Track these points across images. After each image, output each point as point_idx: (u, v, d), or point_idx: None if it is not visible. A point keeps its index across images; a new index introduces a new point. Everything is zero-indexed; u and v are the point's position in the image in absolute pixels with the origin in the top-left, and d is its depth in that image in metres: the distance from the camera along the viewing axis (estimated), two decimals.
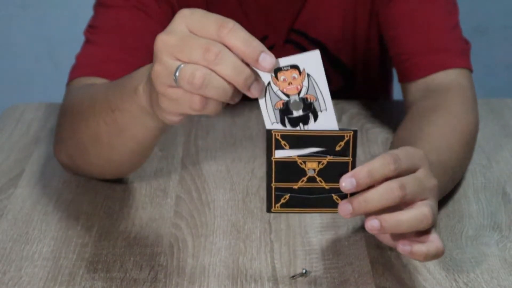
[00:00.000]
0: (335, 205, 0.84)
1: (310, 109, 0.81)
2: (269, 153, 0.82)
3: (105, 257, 0.97)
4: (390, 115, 1.32)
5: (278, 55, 1.34)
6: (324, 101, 0.81)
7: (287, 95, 0.81)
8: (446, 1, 1.23)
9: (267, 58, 0.79)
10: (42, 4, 2.58)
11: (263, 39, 1.31)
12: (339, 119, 1.29)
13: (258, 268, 0.94)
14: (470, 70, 1.21)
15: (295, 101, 0.81)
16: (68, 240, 1.00)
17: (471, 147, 1.13)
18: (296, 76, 0.81)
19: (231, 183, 1.12)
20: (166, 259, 0.96)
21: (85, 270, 0.94)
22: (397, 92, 1.41)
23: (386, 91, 1.48)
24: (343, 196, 0.84)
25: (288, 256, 0.96)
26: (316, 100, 0.81)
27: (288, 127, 0.81)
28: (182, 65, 0.79)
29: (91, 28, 1.21)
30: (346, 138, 0.82)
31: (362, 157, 1.20)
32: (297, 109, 0.81)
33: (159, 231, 1.02)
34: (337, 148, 0.82)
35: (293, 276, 0.93)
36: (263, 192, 1.10)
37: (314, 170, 0.83)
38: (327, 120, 0.81)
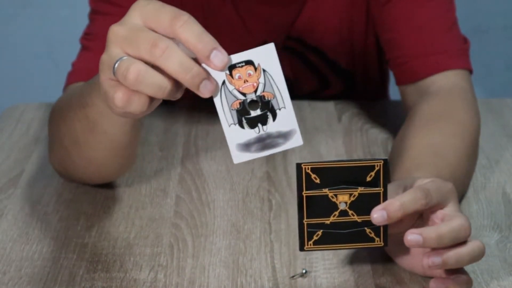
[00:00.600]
0: (368, 239, 0.84)
1: (268, 107, 0.77)
2: (300, 189, 0.81)
3: (105, 257, 0.97)
4: (389, 115, 1.32)
5: None
6: (282, 98, 0.77)
7: (244, 94, 0.77)
8: (441, 1, 1.22)
9: (218, 55, 0.76)
10: (42, 4, 2.57)
11: (262, 44, 1.31)
12: (339, 119, 1.30)
13: (258, 268, 0.94)
14: (470, 70, 1.21)
15: (252, 100, 0.77)
16: (68, 240, 1.00)
17: (477, 154, 1.12)
18: (251, 73, 0.77)
19: (231, 183, 1.12)
20: (166, 259, 0.96)
21: (85, 270, 0.94)
22: (394, 93, 1.41)
23: (384, 92, 1.47)
24: (376, 229, 0.84)
25: (288, 256, 0.96)
26: (274, 98, 0.77)
27: (246, 128, 0.77)
28: (123, 58, 0.78)
29: (87, 35, 1.21)
30: (377, 168, 0.81)
31: (362, 157, 1.20)
32: (254, 109, 0.77)
33: (159, 231, 1.02)
34: (368, 179, 0.81)
35: (293, 276, 0.93)
36: (263, 192, 1.10)
37: (346, 203, 0.82)
38: (286, 118, 0.77)
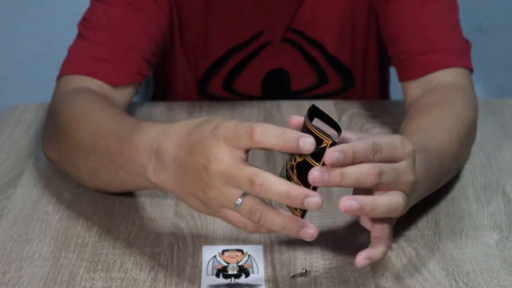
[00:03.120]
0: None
1: (244, 272, 0.92)
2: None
3: (105, 257, 0.97)
4: (390, 115, 1.32)
5: (275, 53, 1.34)
6: (258, 269, 0.93)
7: (228, 263, 0.94)
8: (446, 0, 1.23)
9: (306, 142, 0.80)
10: (42, 4, 2.57)
11: (258, 35, 1.31)
12: (339, 119, 1.30)
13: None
14: (471, 70, 1.21)
15: (232, 266, 0.93)
16: (68, 240, 1.00)
17: (470, 142, 1.12)
18: (239, 255, 0.95)
19: None
20: (166, 259, 0.96)
21: (85, 270, 0.94)
22: (394, 93, 1.42)
23: (385, 91, 1.48)
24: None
25: (288, 256, 0.96)
26: (251, 267, 0.93)
27: (221, 278, 0.91)
28: (243, 198, 0.83)
29: (86, 22, 1.22)
30: (324, 145, 0.82)
31: None
32: (233, 271, 0.93)
33: (159, 231, 1.02)
34: (314, 150, 0.81)
35: (293, 276, 0.93)
36: None
37: (295, 159, 0.84)
38: (256, 279, 0.91)
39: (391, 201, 0.85)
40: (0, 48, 2.62)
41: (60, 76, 1.19)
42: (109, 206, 1.07)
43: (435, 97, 1.15)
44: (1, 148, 1.23)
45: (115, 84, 1.18)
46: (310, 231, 0.82)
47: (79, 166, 1.04)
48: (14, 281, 0.93)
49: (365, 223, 0.91)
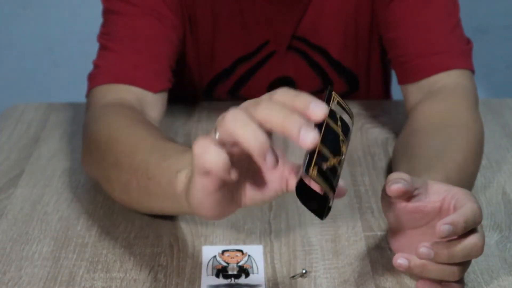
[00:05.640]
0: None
1: (244, 272, 0.92)
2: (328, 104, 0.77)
3: (105, 257, 0.97)
4: (390, 115, 1.32)
5: (280, 61, 1.34)
6: (258, 269, 0.93)
7: (228, 263, 0.94)
8: (446, 1, 1.22)
9: (316, 106, 0.74)
10: (42, 4, 2.58)
11: (264, 44, 1.31)
12: None
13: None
14: (472, 71, 1.21)
15: (232, 266, 0.93)
16: (68, 240, 1.00)
17: (481, 155, 1.12)
18: (239, 255, 0.95)
19: None
20: (166, 259, 0.96)
21: (85, 270, 0.94)
22: (395, 93, 1.41)
23: (387, 92, 1.47)
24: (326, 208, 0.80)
25: (288, 256, 0.96)
26: (250, 268, 0.93)
27: (221, 278, 0.91)
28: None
29: (106, 35, 1.19)
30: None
31: (362, 157, 1.20)
32: (232, 271, 0.93)
33: (159, 231, 1.02)
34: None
35: (293, 276, 0.93)
36: None
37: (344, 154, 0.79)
38: (256, 279, 0.91)
39: (466, 244, 0.87)
40: (0, 48, 2.62)
41: (91, 89, 1.16)
42: (109, 206, 1.07)
43: (441, 109, 1.14)
44: (1, 148, 1.23)
45: (155, 90, 1.15)
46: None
47: (113, 183, 1.01)
48: (14, 281, 0.93)
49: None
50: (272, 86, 1.36)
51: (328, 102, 0.77)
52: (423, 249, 0.84)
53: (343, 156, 0.78)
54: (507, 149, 1.22)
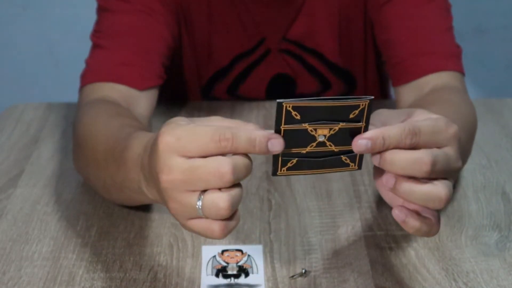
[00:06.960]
0: (343, 164, 0.81)
1: (243, 272, 0.93)
2: (278, 124, 0.78)
3: (105, 257, 0.97)
4: None
5: (274, 63, 1.33)
6: (257, 269, 0.93)
7: (227, 263, 0.94)
8: (439, 6, 1.22)
9: (275, 143, 0.78)
10: (42, 4, 2.58)
11: (261, 42, 1.31)
12: None
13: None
14: (463, 74, 1.21)
15: (232, 266, 0.93)
16: (68, 240, 1.00)
17: (473, 137, 1.11)
18: (238, 255, 0.95)
19: None
20: (166, 259, 0.96)
21: (84, 270, 0.94)
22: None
23: (387, 91, 1.47)
24: (353, 157, 0.81)
25: (288, 256, 0.96)
26: (250, 267, 0.93)
27: (221, 278, 0.91)
28: (202, 197, 0.77)
29: (99, 33, 1.20)
30: (361, 107, 0.78)
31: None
32: (232, 271, 0.93)
33: (159, 231, 1.02)
34: (351, 116, 0.78)
35: (292, 276, 0.93)
36: (262, 192, 1.10)
37: (325, 136, 0.79)
38: (256, 279, 0.91)
39: (431, 191, 0.79)
40: (0, 48, 2.62)
41: (81, 88, 1.17)
42: (109, 206, 1.07)
43: (433, 98, 1.14)
44: (1, 148, 1.23)
45: (141, 87, 1.16)
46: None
47: (94, 181, 1.03)
48: (14, 281, 0.93)
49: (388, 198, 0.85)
50: (272, 83, 1.36)
51: (279, 119, 0.78)
52: (387, 176, 0.79)
53: (325, 136, 0.80)
54: (507, 149, 1.22)
